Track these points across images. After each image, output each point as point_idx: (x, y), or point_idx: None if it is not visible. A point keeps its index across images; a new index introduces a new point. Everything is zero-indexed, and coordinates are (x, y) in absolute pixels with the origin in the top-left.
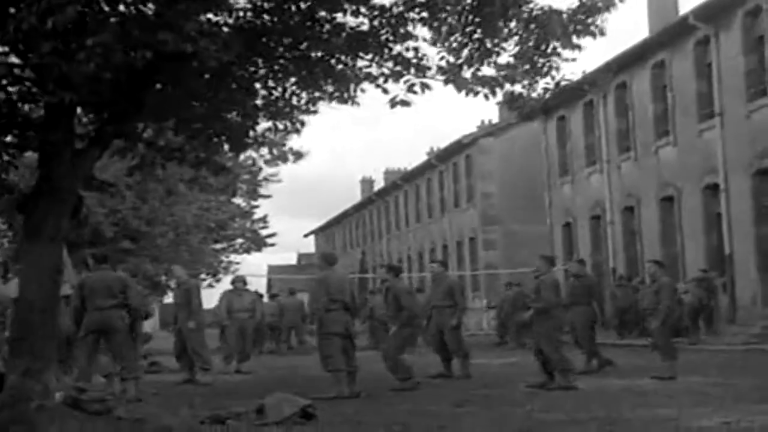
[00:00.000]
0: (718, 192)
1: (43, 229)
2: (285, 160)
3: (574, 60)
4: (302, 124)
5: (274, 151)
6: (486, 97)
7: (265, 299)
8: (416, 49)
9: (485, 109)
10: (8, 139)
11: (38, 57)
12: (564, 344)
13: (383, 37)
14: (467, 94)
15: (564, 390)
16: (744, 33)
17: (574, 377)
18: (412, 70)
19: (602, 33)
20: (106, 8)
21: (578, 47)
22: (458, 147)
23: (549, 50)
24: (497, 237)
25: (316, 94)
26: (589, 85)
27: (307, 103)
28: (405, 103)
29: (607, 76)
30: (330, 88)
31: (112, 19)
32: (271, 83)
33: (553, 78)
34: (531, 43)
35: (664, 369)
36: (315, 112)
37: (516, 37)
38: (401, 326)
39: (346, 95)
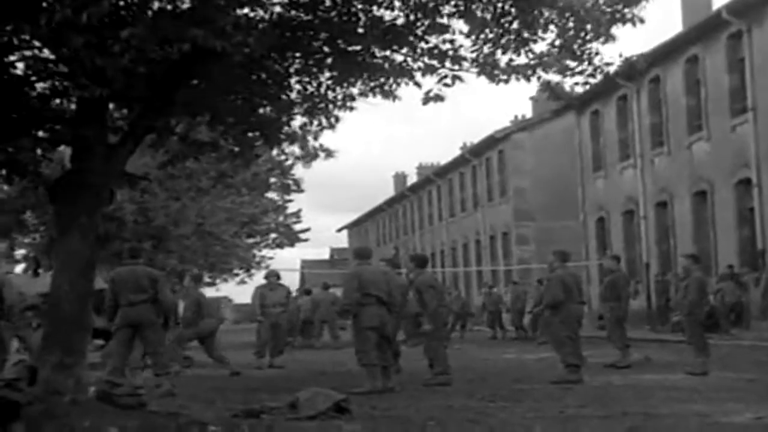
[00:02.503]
0: (751, 187)
1: (76, 225)
2: (315, 157)
3: (613, 39)
4: (337, 119)
5: (307, 148)
6: (518, 79)
7: (294, 294)
8: (452, 42)
9: (519, 104)
10: (41, 133)
11: (72, 51)
12: (575, 340)
13: (419, 31)
14: (498, 83)
15: (568, 384)
16: None
17: (577, 375)
18: (447, 63)
19: (641, 21)
20: (140, 2)
21: (613, 38)
22: (491, 142)
23: (588, 36)
24: (530, 232)
25: (352, 90)
26: (626, 74)
27: (342, 99)
28: (439, 98)
29: (644, 59)
30: (370, 84)
31: (146, 14)
32: (306, 78)
33: (591, 64)
34: (571, 32)
35: (696, 364)
36: (351, 108)
37: (553, 26)
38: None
39: (387, 88)
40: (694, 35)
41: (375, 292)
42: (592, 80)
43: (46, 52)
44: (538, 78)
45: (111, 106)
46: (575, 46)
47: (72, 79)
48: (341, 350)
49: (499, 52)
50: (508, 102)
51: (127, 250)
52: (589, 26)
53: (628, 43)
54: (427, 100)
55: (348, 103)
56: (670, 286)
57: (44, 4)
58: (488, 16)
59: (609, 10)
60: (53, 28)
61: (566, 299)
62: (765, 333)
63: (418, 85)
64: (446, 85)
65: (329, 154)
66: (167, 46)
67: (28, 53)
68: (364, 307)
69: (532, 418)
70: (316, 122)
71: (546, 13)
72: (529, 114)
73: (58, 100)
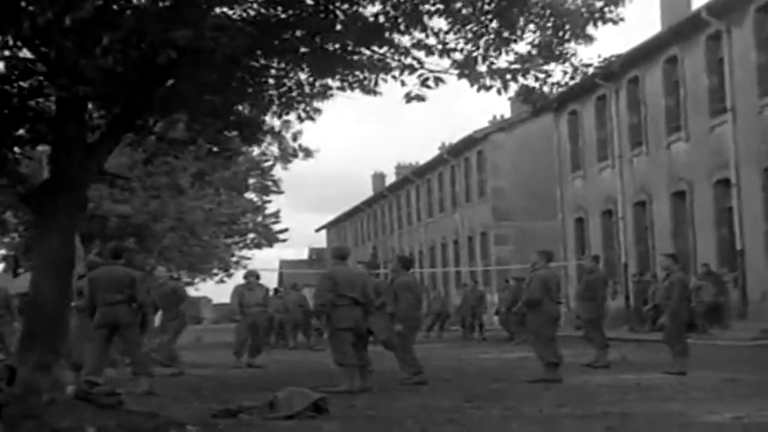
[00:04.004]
0: (729, 187)
1: (55, 223)
2: (295, 156)
3: (592, 41)
4: (317, 111)
5: (286, 148)
6: (499, 92)
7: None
8: (428, 45)
9: (497, 104)
10: (20, 132)
11: (56, 52)
12: (554, 339)
13: (398, 29)
14: (479, 90)
15: (546, 383)
16: (756, 29)
17: (555, 374)
18: (426, 65)
19: (621, 19)
20: (123, 2)
21: (591, 38)
22: (470, 142)
23: (567, 36)
24: (509, 232)
25: (330, 82)
26: (604, 74)
27: (319, 91)
28: (420, 98)
29: (619, 60)
30: (349, 78)
31: (128, 13)
32: (283, 74)
33: (571, 64)
34: (549, 31)
35: (675, 364)
36: (330, 96)
37: (533, 25)
38: (402, 322)
39: (366, 84)
40: (673, 35)
41: (349, 292)
42: (571, 82)
43: (26, 52)
44: (516, 81)
45: (90, 105)
46: (554, 46)
47: (52, 79)
48: (317, 350)
49: (479, 52)
50: (487, 102)
51: (109, 250)
52: (567, 26)
53: (607, 43)
54: (409, 99)
55: (327, 92)
56: (649, 286)
57: (23, 5)
58: (468, 13)
59: (588, 9)
60: (36, 31)
61: (544, 298)
62: (743, 333)
63: (402, 83)
64: (427, 86)
65: (308, 153)
66: (148, 48)
67: (7, 53)
68: (338, 308)
69: (509, 417)
70: (294, 114)
71: (525, 14)
72: (507, 114)
73: (38, 100)
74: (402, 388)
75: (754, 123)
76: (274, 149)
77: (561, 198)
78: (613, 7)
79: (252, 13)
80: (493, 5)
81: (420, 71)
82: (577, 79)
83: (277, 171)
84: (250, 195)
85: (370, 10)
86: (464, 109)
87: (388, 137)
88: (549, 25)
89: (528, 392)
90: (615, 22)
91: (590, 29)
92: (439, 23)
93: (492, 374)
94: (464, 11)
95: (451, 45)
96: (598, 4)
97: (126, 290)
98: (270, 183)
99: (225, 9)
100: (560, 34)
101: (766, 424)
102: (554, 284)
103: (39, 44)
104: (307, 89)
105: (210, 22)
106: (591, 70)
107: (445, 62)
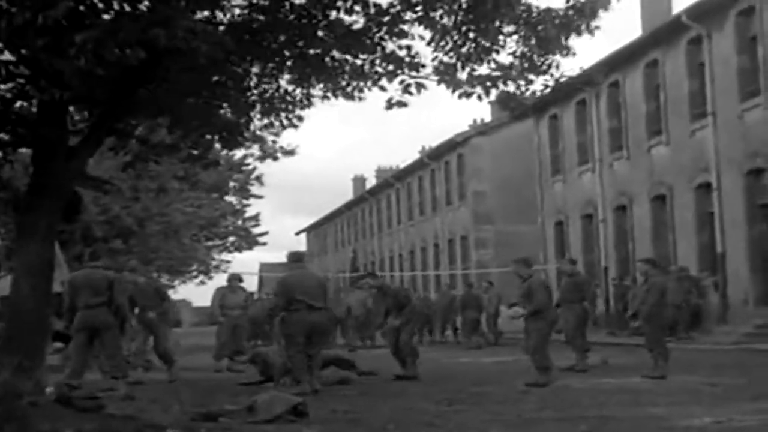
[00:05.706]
0: (710, 191)
1: (37, 227)
2: (275, 158)
3: (573, 54)
4: (299, 119)
5: (265, 149)
6: (479, 98)
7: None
8: (409, 48)
9: (478, 108)
10: (2, 136)
11: (31, 53)
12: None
13: (377, 36)
14: (460, 97)
15: (539, 387)
16: (737, 33)
17: (549, 377)
18: (406, 69)
19: (591, 32)
20: (100, 5)
21: (568, 49)
22: (450, 145)
23: (548, 47)
24: (489, 236)
25: (311, 91)
26: (584, 83)
27: (301, 99)
28: (401, 104)
29: (602, 72)
30: (330, 85)
31: (105, 16)
32: (265, 79)
33: (552, 75)
34: (533, 41)
35: (655, 368)
36: (310, 105)
37: (515, 36)
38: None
39: (349, 90)
40: (653, 40)
41: (302, 297)
42: (549, 90)
43: (7, 55)
44: (496, 87)
45: (71, 108)
46: (535, 57)
47: (32, 82)
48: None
49: (459, 61)
50: (467, 106)
51: (89, 253)
52: (545, 41)
53: (588, 47)
54: (390, 105)
55: (307, 102)
56: (628, 290)
57: (4, 6)
58: (449, 24)
59: (562, 22)
60: (13, 31)
61: (549, 303)
62: (724, 337)
63: (382, 88)
64: (409, 93)
65: (288, 152)
66: (126, 48)
67: None
68: (290, 313)
69: (489, 421)
70: (277, 122)
71: (505, 27)
72: (488, 118)
73: (20, 103)
74: (383, 392)
75: (734, 127)
76: (255, 151)
77: (541, 202)
78: (590, 21)
79: (234, 17)
80: (470, 15)
81: (401, 77)
82: (557, 86)
83: (259, 170)
84: (231, 198)
85: (349, 18)
86: (445, 112)
87: (369, 141)
88: (531, 35)
89: (508, 396)
90: (592, 33)
91: (568, 41)
92: (420, 31)
93: (472, 378)
94: (444, 19)
95: (432, 54)
96: (573, 18)
97: (105, 293)
98: (251, 185)
99: (206, 13)
100: (542, 44)
101: (747, 428)
102: (548, 288)
103: (19, 46)
104: (288, 96)
105: (184, 25)
106: (573, 76)
107: (427, 69)
